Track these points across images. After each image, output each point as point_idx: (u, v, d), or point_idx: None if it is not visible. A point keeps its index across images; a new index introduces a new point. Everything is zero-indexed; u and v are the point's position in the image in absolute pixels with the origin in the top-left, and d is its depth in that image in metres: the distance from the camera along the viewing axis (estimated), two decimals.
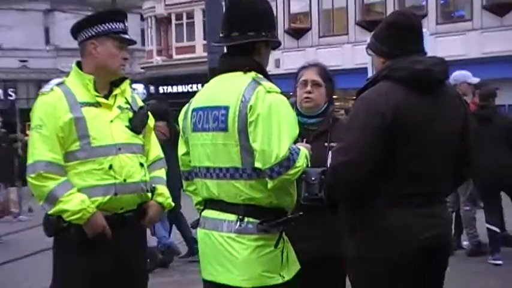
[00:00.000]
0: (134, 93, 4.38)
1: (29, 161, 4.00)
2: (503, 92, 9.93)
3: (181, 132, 3.79)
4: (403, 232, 3.42)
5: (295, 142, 3.47)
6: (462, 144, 3.69)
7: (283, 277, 3.48)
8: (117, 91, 4.15)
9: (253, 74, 3.51)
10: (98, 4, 43.96)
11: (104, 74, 4.11)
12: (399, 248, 3.41)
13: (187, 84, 34.35)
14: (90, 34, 4.09)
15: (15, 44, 44.83)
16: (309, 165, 3.53)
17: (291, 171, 3.35)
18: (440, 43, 23.36)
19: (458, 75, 9.43)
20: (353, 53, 27.22)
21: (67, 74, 4.23)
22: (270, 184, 3.37)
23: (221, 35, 3.67)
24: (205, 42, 27.01)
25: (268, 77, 3.58)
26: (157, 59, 41.07)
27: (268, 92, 3.42)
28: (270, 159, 3.31)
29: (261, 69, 3.58)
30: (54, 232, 4.05)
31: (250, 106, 3.38)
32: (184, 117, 3.73)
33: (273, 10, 3.85)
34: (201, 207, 3.71)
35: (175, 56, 40.03)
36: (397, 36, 3.59)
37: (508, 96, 9.70)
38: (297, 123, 3.52)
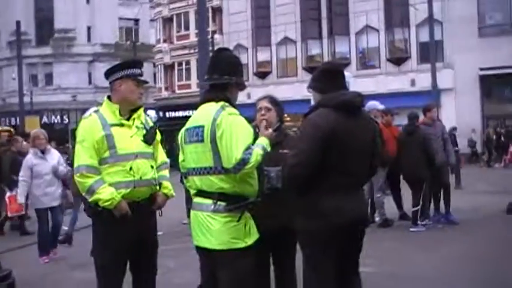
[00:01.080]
0: (147, 117, 4.34)
1: (75, 165, 4.02)
2: (401, 116, 10.00)
3: (179, 145, 3.78)
4: (337, 211, 3.44)
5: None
6: (373, 150, 3.72)
7: (246, 242, 3.49)
8: (135, 115, 4.11)
9: (222, 103, 3.55)
10: (124, 56, 43.86)
11: (126, 104, 4.07)
12: (334, 222, 3.43)
13: (185, 110, 34.09)
14: (117, 76, 4.07)
15: (68, 84, 44.50)
16: (269, 149, 3.58)
17: (247, 166, 3.38)
18: (359, 82, 23.48)
19: (370, 104, 9.47)
20: (301, 89, 27.23)
21: (101, 104, 4.19)
22: (237, 177, 3.43)
23: (206, 76, 3.71)
24: (197, 81, 27.00)
25: (233, 106, 3.61)
26: (164, 93, 40.84)
27: (230, 114, 3.48)
28: (231, 161, 3.37)
29: (228, 101, 3.61)
30: (92, 214, 4.03)
31: (217, 124, 3.44)
32: (181, 136, 3.75)
33: (242, 63, 3.85)
34: (194, 197, 3.69)
35: (177, 91, 39.83)
36: (328, 78, 3.67)
37: (403, 118, 9.85)
38: (250, 135, 3.51)
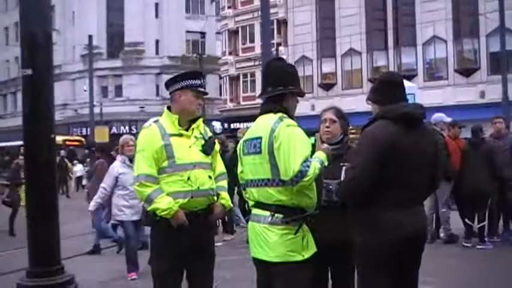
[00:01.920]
0: (212, 128, 4.36)
1: (134, 174, 4.06)
2: (467, 129, 9.68)
3: (238, 157, 3.78)
4: (396, 226, 3.35)
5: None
6: (435, 163, 3.62)
7: (303, 256, 3.45)
8: (194, 126, 4.12)
9: (280, 114, 3.51)
10: (191, 69, 44.66)
11: (185, 115, 4.09)
12: (393, 237, 3.34)
13: (250, 122, 34.23)
14: (177, 87, 4.10)
15: (137, 96, 45.74)
16: (328, 162, 3.54)
17: (305, 179, 3.32)
18: (426, 94, 22.99)
19: (437, 116, 9.21)
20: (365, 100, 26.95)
21: (161, 114, 4.24)
22: (294, 189, 3.39)
23: (261, 89, 3.71)
24: None
25: (291, 116, 3.57)
26: (230, 105, 41.25)
27: (288, 126, 3.43)
28: (289, 173, 3.32)
29: (286, 111, 3.56)
30: (151, 223, 4.07)
31: (275, 136, 3.40)
32: (239, 147, 3.75)
33: (297, 71, 3.81)
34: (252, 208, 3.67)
35: (242, 103, 40.15)
36: (387, 90, 3.59)
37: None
38: (308, 146, 3.47)
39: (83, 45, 38.58)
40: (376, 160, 3.34)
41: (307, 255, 3.47)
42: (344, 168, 3.75)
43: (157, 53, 48.18)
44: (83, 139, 37.27)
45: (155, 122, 4.12)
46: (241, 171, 3.75)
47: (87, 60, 34.94)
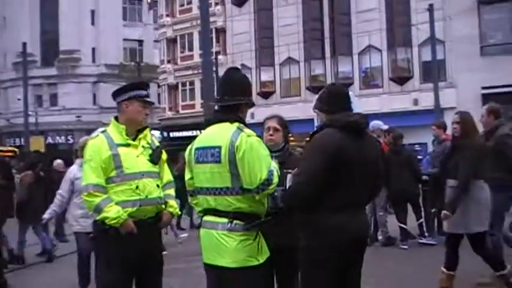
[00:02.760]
0: (153, 137, 4.40)
1: (83, 183, 4.08)
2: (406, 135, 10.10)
3: (187, 163, 3.79)
4: (339, 229, 3.48)
5: None
6: (377, 171, 3.79)
7: (259, 260, 3.52)
8: (141, 135, 4.18)
9: (237, 124, 3.56)
10: (129, 77, 44.07)
11: (133, 124, 4.14)
12: (336, 240, 3.47)
13: (189, 131, 34.10)
14: (124, 98, 4.15)
15: (73, 105, 44.69)
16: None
17: (270, 187, 3.44)
18: (363, 102, 23.58)
19: (374, 123, 9.53)
20: (304, 108, 27.31)
21: (107, 125, 4.26)
22: (257, 197, 3.47)
23: (217, 97, 3.77)
24: (201, 101, 27.05)
25: (247, 126, 3.62)
26: (168, 113, 40.97)
27: (249, 136, 3.49)
28: (255, 181, 3.40)
29: (242, 121, 3.63)
30: (99, 231, 4.09)
31: (237, 146, 3.44)
32: (189, 154, 3.74)
33: (250, 83, 3.90)
34: (201, 214, 3.70)
35: (181, 111, 39.96)
36: (334, 100, 3.76)
37: (406, 138, 10.02)
38: (269, 155, 3.57)
39: (16, 52, 37.47)
40: (323, 166, 3.46)
41: (262, 259, 3.55)
42: (291, 173, 3.82)
43: (93, 61, 47.26)
44: (16, 150, 36.07)
45: (103, 132, 4.16)
46: (190, 178, 3.76)
47: (20, 68, 33.97)
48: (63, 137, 44.48)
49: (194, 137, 3.93)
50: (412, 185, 9.26)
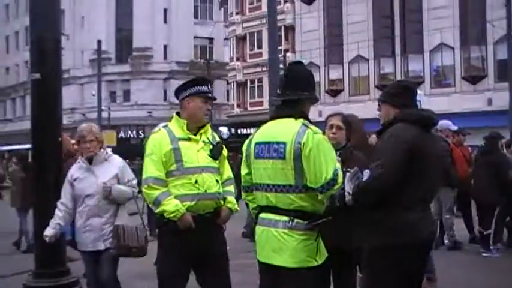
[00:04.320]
0: (220, 134, 4.41)
1: (143, 176, 4.10)
2: (474, 136, 9.69)
3: (244, 158, 3.72)
4: (414, 228, 3.44)
5: None
6: (441, 169, 3.79)
7: (317, 261, 3.42)
8: (202, 131, 4.18)
9: (301, 120, 3.47)
10: (199, 74, 44.77)
11: (194, 120, 4.16)
12: (414, 238, 3.43)
13: (257, 128, 34.34)
14: (186, 94, 4.18)
15: (145, 100, 45.87)
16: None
17: (335, 187, 3.35)
18: (433, 101, 22.98)
19: (443, 123, 9.23)
20: (373, 107, 26.85)
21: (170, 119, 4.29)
22: (320, 197, 3.37)
23: (278, 92, 3.64)
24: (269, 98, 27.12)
25: (311, 122, 3.53)
26: (237, 110, 41.37)
27: (315, 133, 3.39)
28: (320, 180, 3.31)
29: (306, 117, 3.53)
30: (158, 225, 4.17)
31: (303, 143, 3.34)
32: (248, 148, 3.68)
33: (314, 77, 3.76)
34: (256, 211, 3.65)
35: (249, 108, 40.25)
36: (407, 95, 3.75)
37: (479, 140, 9.63)
38: (335, 155, 3.48)
39: (92, 49, 38.81)
40: (402, 159, 3.43)
41: (320, 260, 3.45)
42: (350, 172, 3.70)
43: (165, 58, 48.34)
44: None
45: (164, 126, 4.20)
46: (248, 174, 3.68)
47: (95, 65, 35.15)
48: (134, 132, 45.70)
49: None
50: (495, 190, 8.59)
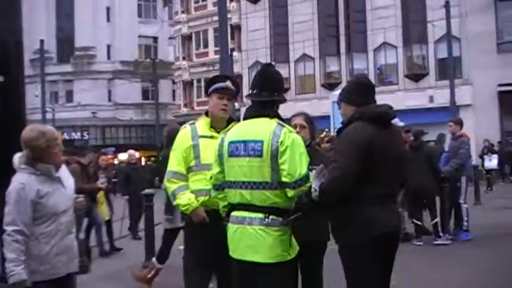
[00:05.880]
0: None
1: (167, 170, 4.31)
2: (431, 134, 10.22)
3: (215, 158, 3.76)
4: (376, 223, 3.50)
5: None
6: (404, 163, 3.86)
7: (291, 255, 3.56)
8: (226, 129, 4.14)
9: (276, 120, 3.62)
10: (144, 74, 44.36)
11: (214, 117, 4.30)
12: (373, 234, 3.48)
13: None
14: (208, 94, 4.37)
15: (88, 101, 45.09)
16: None
17: (307, 184, 3.48)
18: (378, 99, 23.54)
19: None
20: (319, 105, 27.38)
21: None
22: (290, 193, 3.47)
23: (254, 92, 3.73)
24: None
25: (283, 121, 3.68)
26: (183, 110, 41.17)
27: (290, 132, 3.55)
28: (295, 175, 3.43)
29: (280, 117, 3.69)
30: (183, 217, 4.50)
31: (281, 141, 3.46)
32: (220, 147, 3.72)
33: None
34: (226, 209, 3.72)
35: (196, 108, 40.13)
36: (363, 92, 3.77)
37: (431, 136, 10.19)
38: (307, 152, 3.61)
39: (33, 49, 37.86)
40: (358, 158, 3.48)
41: (293, 254, 3.59)
42: (315, 169, 3.78)
43: (109, 57, 47.65)
44: None
45: (191, 124, 4.39)
46: (219, 172, 3.73)
47: (36, 65, 34.34)
48: (78, 133, 44.86)
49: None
50: (430, 182, 9.19)
